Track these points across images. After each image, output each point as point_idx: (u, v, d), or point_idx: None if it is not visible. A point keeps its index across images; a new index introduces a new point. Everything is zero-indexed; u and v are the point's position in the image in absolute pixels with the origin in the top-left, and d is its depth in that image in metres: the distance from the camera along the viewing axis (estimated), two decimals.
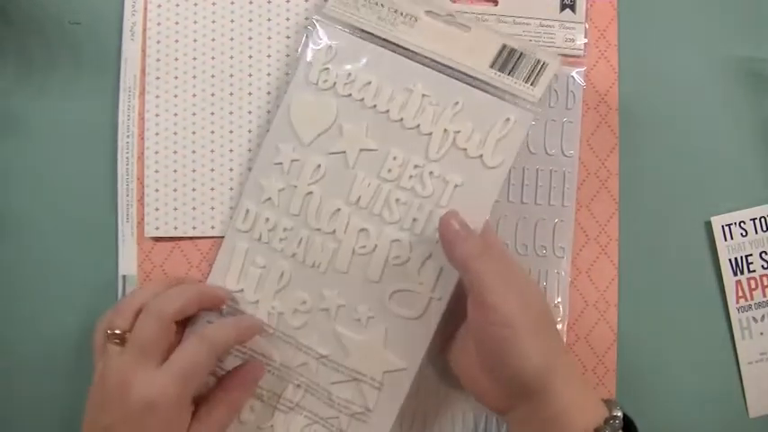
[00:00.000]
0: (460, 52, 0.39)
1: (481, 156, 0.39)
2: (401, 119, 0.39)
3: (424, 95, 0.39)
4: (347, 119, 0.40)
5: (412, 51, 0.40)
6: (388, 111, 0.40)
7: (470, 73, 0.39)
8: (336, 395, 0.39)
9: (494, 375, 0.35)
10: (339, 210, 0.40)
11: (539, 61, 0.39)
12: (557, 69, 0.39)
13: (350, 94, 0.40)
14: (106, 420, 0.34)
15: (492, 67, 0.39)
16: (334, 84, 0.40)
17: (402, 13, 0.40)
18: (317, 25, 0.40)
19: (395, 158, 0.39)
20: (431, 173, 0.39)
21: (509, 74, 0.39)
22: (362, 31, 0.40)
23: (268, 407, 0.40)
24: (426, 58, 0.40)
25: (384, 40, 0.40)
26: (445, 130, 0.39)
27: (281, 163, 0.40)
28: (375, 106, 0.40)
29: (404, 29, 0.40)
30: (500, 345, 0.34)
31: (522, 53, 0.39)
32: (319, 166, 0.40)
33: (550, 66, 0.39)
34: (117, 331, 0.36)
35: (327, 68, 0.40)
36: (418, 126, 0.39)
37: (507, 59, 0.39)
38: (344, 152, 0.40)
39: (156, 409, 0.34)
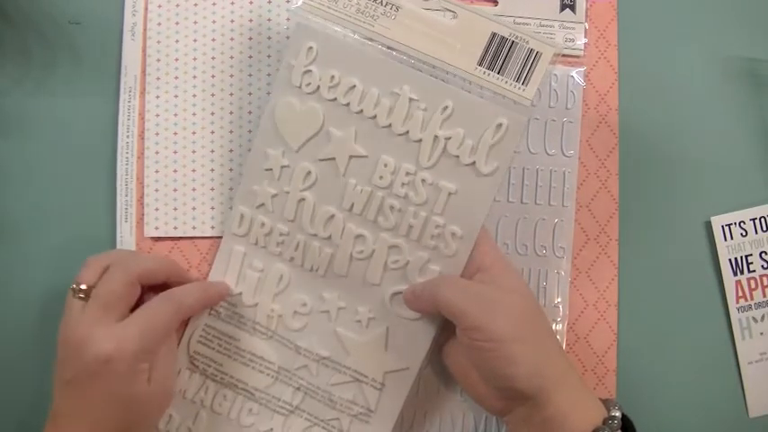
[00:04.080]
0: (447, 47, 0.38)
1: (474, 163, 0.38)
2: (389, 124, 0.38)
3: (411, 99, 0.38)
4: (334, 124, 0.39)
5: (396, 50, 0.38)
6: (375, 116, 0.38)
7: (458, 73, 0.38)
8: (338, 396, 0.39)
9: (489, 383, 0.36)
10: (333, 216, 0.39)
11: (531, 51, 0.37)
12: (550, 59, 0.37)
13: (335, 99, 0.38)
14: (67, 375, 0.34)
15: (481, 64, 0.38)
16: (318, 87, 0.38)
17: (382, 2, 0.38)
18: (296, 23, 0.39)
19: (386, 165, 0.38)
20: (423, 180, 0.38)
21: (499, 72, 0.38)
22: (342, 27, 0.38)
23: (267, 410, 0.40)
24: (411, 57, 0.38)
25: (366, 37, 0.38)
26: (435, 136, 0.38)
27: (270, 169, 0.39)
28: (362, 111, 0.38)
29: (385, 21, 0.38)
30: (487, 357, 0.34)
31: (513, 42, 0.37)
32: (310, 172, 0.39)
33: (543, 56, 0.37)
34: (82, 286, 0.35)
35: (310, 71, 0.38)
36: (407, 132, 0.38)
37: (497, 51, 0.38)
38: (334, 159, 0.39)
39: (113, 364, 0.33)
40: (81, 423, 0.34)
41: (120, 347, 0.33)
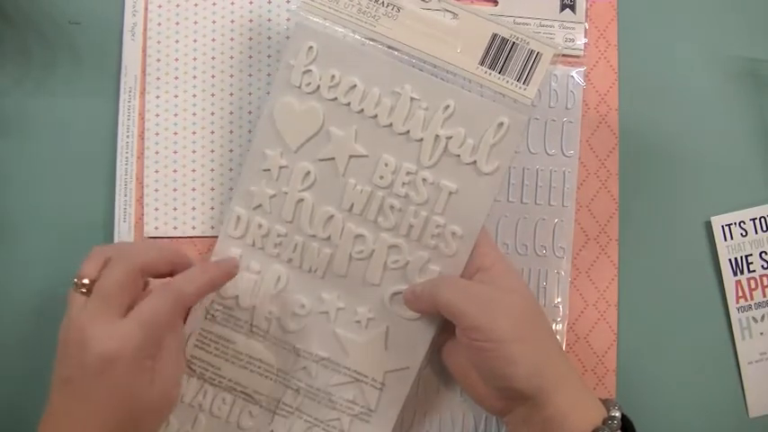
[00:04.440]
0: (449, 47, 0.38)
1: (475, 162, 0.38)
2: (390, 124, 0.38)
3: (412, 98, 0.38)
4: (334, 124, 0.38)
5: (397, 50, 0.38)
6: (376, 115, 0.38)
7: (460, 73, 0.38)
8: (338, 396, 0.39)
9: (488, 383, 0.36)
10: (333, 216, 0.39)
11: (531, 52, 0.38)
12: (550, 60, 0.38)
13: (335, 98, 0.38)
14: (65, 373, 0.33)
15: (482, 64, 0.38)
16: (318, 87, 0.38)
17: (384, 3, 0.38)
18: (296, 23, 0.39)
19: (386, 165, 0.38)
20: (424, 180, 0.38)
21: (500, 72, 0.38)
22: (343, 27, 0.38)
23: (267, 412, 0.40)
24: (413, 57, 0.38)
25: (367, 37, 0.38)
26: (437, 135, 0.38)
27: (269, 169, 0.39)
28: (362, 111, 0.38)
29: (386, 22, 0.38)
30: (487, 357, 0.34)
31: (514, 43, 0.38)
32: (309, 172, 0.39)
33: (544, 57, 0.38)
34: (84, 281, 0.34)
35: (310, 70, 0.38)
36: (408, 132, 0.38)
37: (498, 52, 0.38)
38: (333, 159, 0.39)
39: (116, 363, 0.32)
40: (78, 423, 0.33)
41: (122, 346, 0.32)
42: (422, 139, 0.38)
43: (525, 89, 0.38)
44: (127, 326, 0.33)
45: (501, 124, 0.37)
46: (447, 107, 0.38)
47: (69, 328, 0.34)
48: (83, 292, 0.34)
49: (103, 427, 0.33)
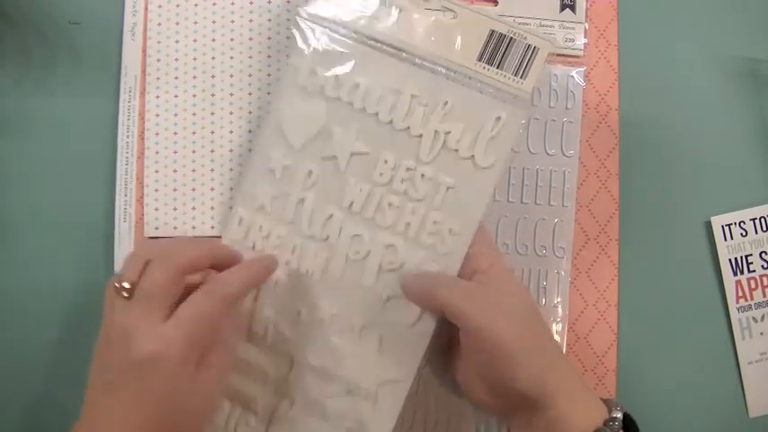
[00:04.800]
0: (447, 45, 0.38)
1: (473, 156, 0.38)
2: (391, 121, 0.38)
3: (413, 96, 0.38)
4: (337, 122, 0.39)
5: (398, 48, 0.39)
6: (377, 113, 0.39)
7: (458, 69, 0.38)
8: (330, 408, 0.39)
9: (490, 387, 0.35)
10: (332, 216, 0.39)
11: (528, 47, 0.38)
12: (547, 54, 0.38)
13: (338, 98, 0.39)
14: (108, 376, 0.32)
15: (480, 60, 0.38)
16: (322, 87, 0.39)
17: (385, 3, 0.39)
18: (301, 25, 0.39)
19: (386, 162, 0.39)
20: (422, 175, 0.38)
21: (498, 67, 0.38)
22: (346, 28, 0.39)
23: (262, 422, 0.39)
24: (413, 55, 0.39)
25: (369, 37, 0.39)
26: (436, 131, 0.38)
27: (272, 170, 0.39)
28: (364, 109, 0.39)
29: (386, 20, 0.39)
30: (489, 360, 0.34)
31: (511, 38, 0.38)
32: (311, 171, 0.39)
33: (541, 52, 0.38)
34: (125, 284, 0.33)
35: (313, 70, 0.39)
36: (408, 128, 0.38)
37: (496, 48, 0.38)
38: (335, 157, 0.39)
39: (160, 363, 0.32)
40: (116, 426, 0.32)
41: (163, 348, 0.32)
42: (421, 135, 0.38)
43: (522, 82, 0.38)
44: (168, 328, 0.32)
45: (498, 118, 0.38)
46: (446, 103, 0.38)
47: (112, 329, 0.33)
48: (125, 297, 0.33)
49: (140, 429, 0.32)
